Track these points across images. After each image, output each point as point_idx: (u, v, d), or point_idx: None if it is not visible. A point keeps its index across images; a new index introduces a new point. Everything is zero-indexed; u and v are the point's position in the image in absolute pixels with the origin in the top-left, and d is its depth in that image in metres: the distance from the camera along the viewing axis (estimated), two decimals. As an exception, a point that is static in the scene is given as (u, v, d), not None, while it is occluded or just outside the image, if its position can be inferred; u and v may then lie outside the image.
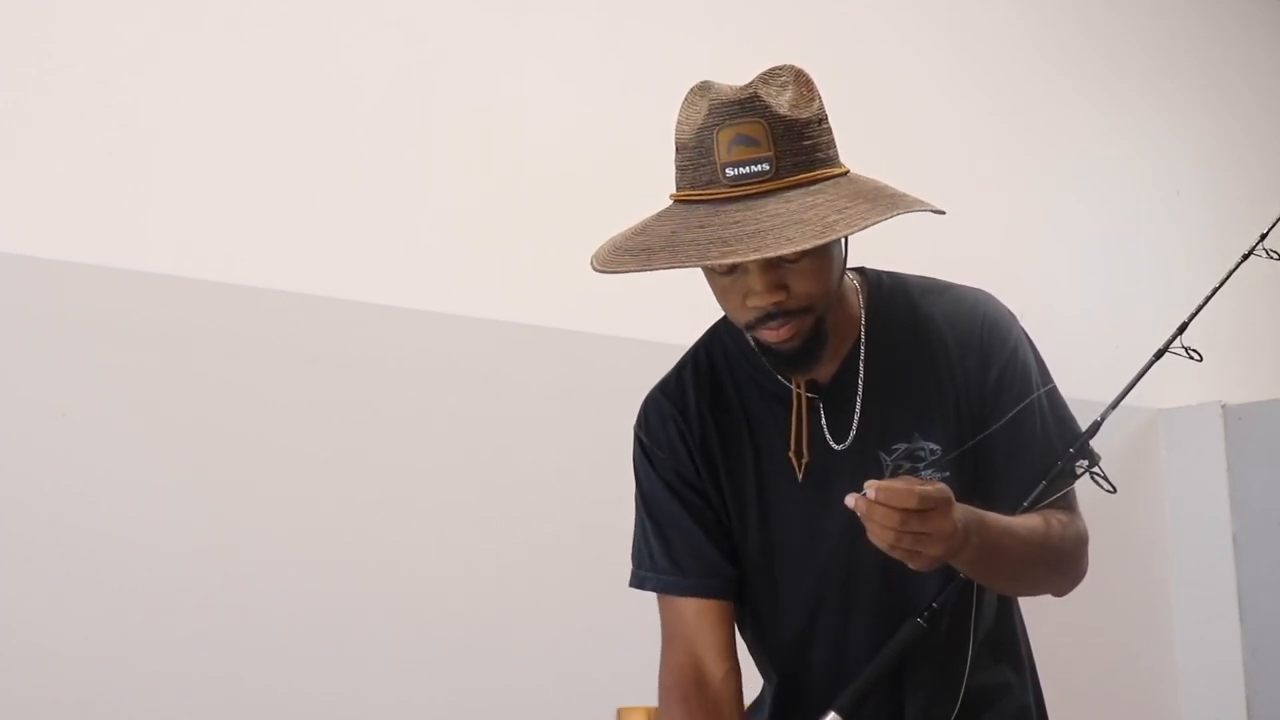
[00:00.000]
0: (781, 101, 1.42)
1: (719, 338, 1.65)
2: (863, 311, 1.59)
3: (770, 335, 1.47)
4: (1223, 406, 4.14)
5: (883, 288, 1.62)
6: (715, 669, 1.61)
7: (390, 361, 2.75)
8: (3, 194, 2.41)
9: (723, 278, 1.46)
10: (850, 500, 1.33)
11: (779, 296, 1.43)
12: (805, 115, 1.43)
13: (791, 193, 1.39)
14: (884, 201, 1.42)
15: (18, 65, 2.46)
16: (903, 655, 1.50)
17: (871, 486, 1.31)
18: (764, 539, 1.62)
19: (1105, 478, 1.54)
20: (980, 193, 3.94)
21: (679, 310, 3.16)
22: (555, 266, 3.03)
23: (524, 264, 2.99)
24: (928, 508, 1.31)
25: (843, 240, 1.49)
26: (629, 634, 2.96)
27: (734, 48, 3.37)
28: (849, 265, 1.57)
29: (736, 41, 3.39)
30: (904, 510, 1.30)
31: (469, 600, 2.76)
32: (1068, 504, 1.57)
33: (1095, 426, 1.57)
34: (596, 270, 1.45)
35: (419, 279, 2.83)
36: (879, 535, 1.33)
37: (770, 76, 1.45)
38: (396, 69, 2.89)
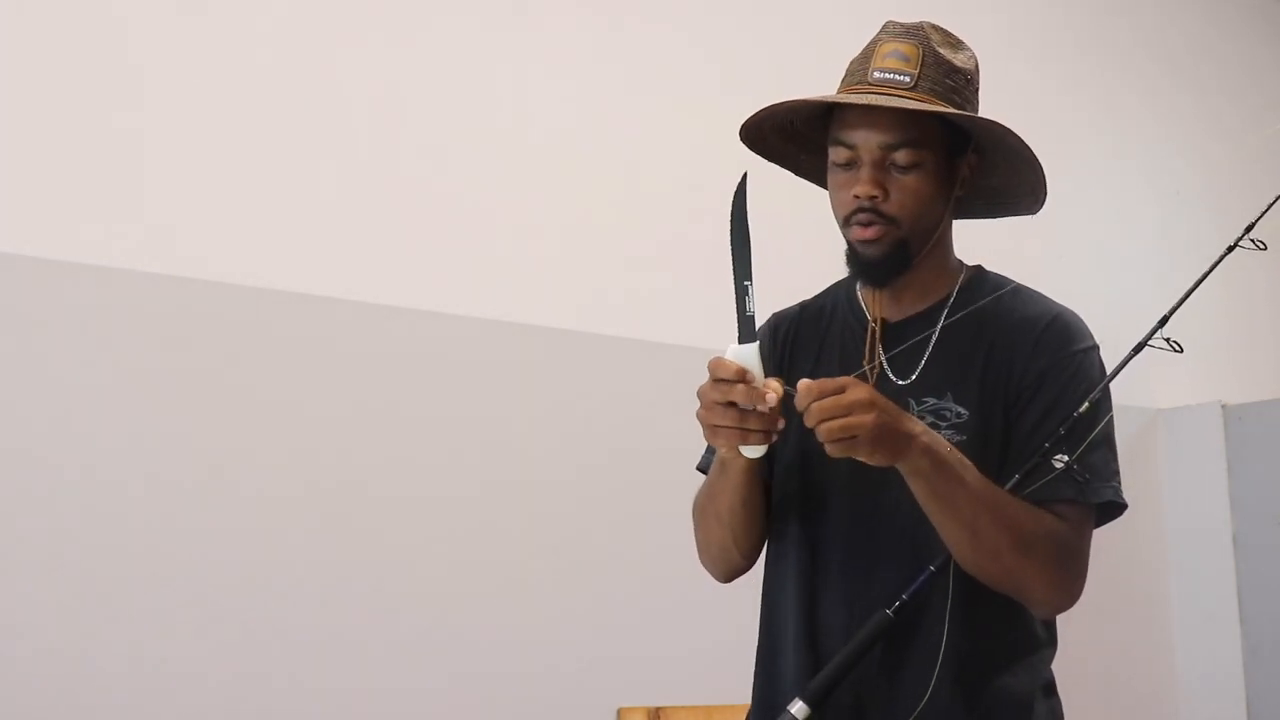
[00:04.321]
0: (940, 41, 1.66)
1: (839, 285, 1.81)
2: (959, 285, 1.71)
3: (858, 233, 1.62)
4: (1223, 406, 4.14)
5: (984, 276, 1.75)
6: None
7: (391, 361, 2.76)
8: (3, 194, 2.41)
9: (841, 172, 1.64)
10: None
11: (877, 192, 1.60)
12: (956, 61, 1.66)
13: (919, 102, 1.60)
14: (999, 132, 1.64)
15: (17, 65, 2.46)
16: (869, 646, 1.51)
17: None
18: (801, 443, 1.66)
19: (1081, 477, 1.56)
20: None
21: (680, 312, 3.17)
22: (555, 266, 3.03)
23: (524, 264, 2.99)
24: (838, 388, 1.45)
25: (948, 199, 1.68)
26: (630, 632, 2.97)
27: (734, 48, 3.37)
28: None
29: (736, 42, 3.39)
30: (822, 395, 1.44)
31: (469, 600, 2.76)
32: (1065, 514, 1.57)
33: (1075, 419, 1.58)
34: (742, 136, 1.69)
35: (419, 279, 2.83)
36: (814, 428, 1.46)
37: (942, 28, 1.68)
38: (397, 69, 2.89)
